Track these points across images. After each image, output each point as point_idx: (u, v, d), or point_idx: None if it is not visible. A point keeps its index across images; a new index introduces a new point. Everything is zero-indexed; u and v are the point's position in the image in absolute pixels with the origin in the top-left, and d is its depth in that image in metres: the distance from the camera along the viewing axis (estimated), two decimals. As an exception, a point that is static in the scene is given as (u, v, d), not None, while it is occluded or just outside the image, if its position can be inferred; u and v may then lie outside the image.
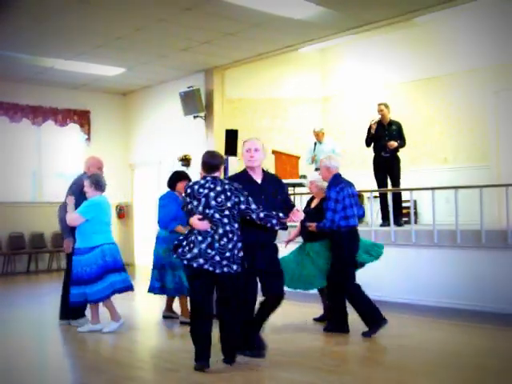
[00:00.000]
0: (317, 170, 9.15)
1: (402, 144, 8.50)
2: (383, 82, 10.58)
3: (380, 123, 8.50)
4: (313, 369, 4.38)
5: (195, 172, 11.10)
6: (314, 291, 6.01)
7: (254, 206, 4.37)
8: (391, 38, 10.21)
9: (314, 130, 9.53)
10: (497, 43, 9.13)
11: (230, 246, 4.30)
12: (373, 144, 8.59)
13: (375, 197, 8.53)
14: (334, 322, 5.59)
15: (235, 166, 10.31)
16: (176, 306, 6.29)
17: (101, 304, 5.74)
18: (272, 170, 9.13)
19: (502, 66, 9.10)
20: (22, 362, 4.89)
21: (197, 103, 10.59)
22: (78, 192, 5.80)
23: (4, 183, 11.39)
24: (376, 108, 8.65)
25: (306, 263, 5.67)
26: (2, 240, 11.16)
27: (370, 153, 8.87)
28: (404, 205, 9.00)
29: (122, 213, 12.75)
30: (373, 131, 8.48)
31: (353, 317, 5.48)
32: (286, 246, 5.93)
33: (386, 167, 8.42)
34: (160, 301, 6.64)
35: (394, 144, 8.31)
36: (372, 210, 7.94)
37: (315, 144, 9.40)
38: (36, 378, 4.48)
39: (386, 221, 8.05)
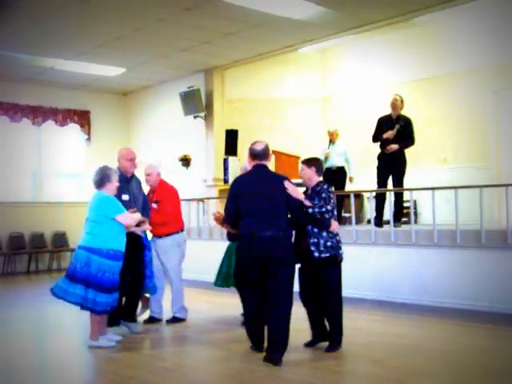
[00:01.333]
0: (327, 168, 9.11)
1: (407, 144, 8.22)
2: (383, 82, 10.58)
3: (389, 117, 8.38)
4: (313, 369, 4.38)
5: (195, 172, 11.15)
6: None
7: None
8: (391, 37, 10.22)
9: (328, 130, 9.42)
10: (497, 43, 9.13)
11: None
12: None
13: (375, 197, 8.52)
14: None
15: (235, 166, 10.32)
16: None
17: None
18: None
19: (502, 66, 9.11)
20: (22, 361, 4.89)
21: (197, 103, 10.59)
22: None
23: (4, 183, 11.39)
24: (385, 105, 8.53)
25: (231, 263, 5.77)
26: (2, 240, 11.15)
27: (369, 153, 8.86)
28: (404, 205, 9.01)
29: (123, 213, 12.74)
30: (385, 137, 8.28)
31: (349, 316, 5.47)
32: None
33: (391, 165, 8.25)
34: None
35: (392, 148, 8.14)
36: (372, 210, 7.94)
37: (330, 143, 9.26)
38: (36, 378, 4.48)
39: (378, 219, 7.95)
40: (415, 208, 9.11)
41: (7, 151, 11.46)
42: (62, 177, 12.30)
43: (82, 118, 12.30)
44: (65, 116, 12.07)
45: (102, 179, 5.13)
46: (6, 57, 9.67)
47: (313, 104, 11.62)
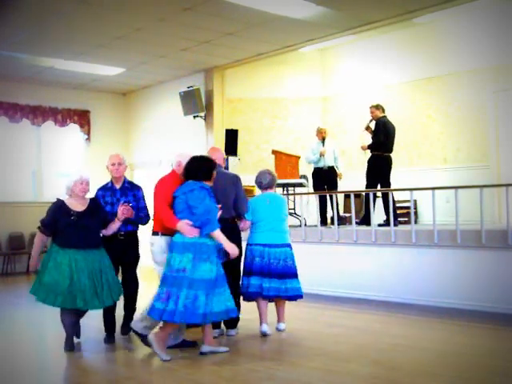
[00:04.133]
0: (318, 168, 9.11)
1: (372, 145, 8.44)
2: (383, 82, 10.58)
3: None
4: (313, 369, 4.38)
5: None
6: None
7: None
8: (391, 37, 10.22)
9: (319, 128, 9.38)
10: (497, 43, 9.13)
11: None
12: None
13: (377, 197, 8.54)
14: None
15: (235, 165, 10.32)
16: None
17: None
18: (272, 170, 9.10)
19: (502, 66, 9.11)
20: (22, 361, 4.89)
21: (197, 103, 10.59)
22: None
23: (4, 183, 11.40)
24: (385, 105, 8.73)
25: None
26: (1, 240, 11.15)
27: (368, 153, 8.87)
28: (404, 205, 9.02)
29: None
30: (370, 133, 8.58)
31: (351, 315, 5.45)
32: None
33: (368, 167, 8.52)
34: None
35: (362, 146, 8.57)
36: (371, 209, 7.93)
37: (323, 141, 9.23)
38: (36, 378, 4.48)
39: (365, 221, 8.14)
40: (415, 208, 9.11)
41: (7, 151, 11.46)
42: (62, 177, 12.29)
43: (82, 118, 12.30)
44: (64, 116, 12.07)
45: (274, 181, 5.69)
46: (6, 57, 9.66)
47: (313, 104, 11.62)
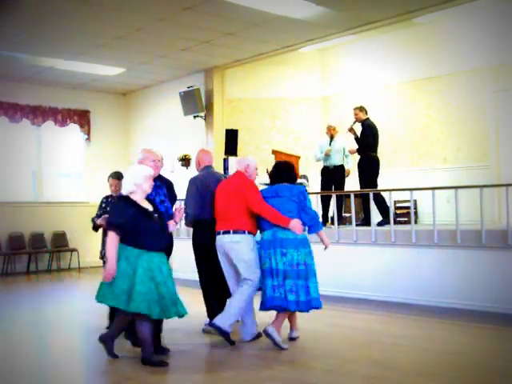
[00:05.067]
0: (326, 166, 9.11)
1: (360, 147, 8.54)
2: (383, 82, 10.58)
3: None
4: (313, 369, 4.38)
5: (195, 172, 11.11)
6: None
7: None
8: (391, 37, 10.22)
9: (329, 125, 9.33)
10: (497, 43, 9.14)
11: None
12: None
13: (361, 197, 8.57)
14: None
15: (235, 166, 10.31)
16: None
17: None
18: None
19: (502, 66, 9.11)
20: (22, 362, 4.88)
21: (197, 103, 10.59)
22: None
23: (4, 183, 11.40)
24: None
25: None
26: (1, 240, 11.15)
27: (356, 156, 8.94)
28: (404, 205, 9.01)
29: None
30: (353, 134, 8.68)
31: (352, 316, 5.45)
32: None
33: (358, 169, 8.60)
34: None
35: (350, 150, 8.73)
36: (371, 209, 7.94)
37: (331, 138, 9.20)
38: (36, 378, 4.48)
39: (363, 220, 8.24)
40: (415, 208, 9.11)
41: (7, 151, 11.46)
42: (62, 177, 12.30)
43: (82, 118, 12.30)
44: (64, 116, 12.07)
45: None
46: (6, 57, 9.67)
47: (313, 104, 11.62)
